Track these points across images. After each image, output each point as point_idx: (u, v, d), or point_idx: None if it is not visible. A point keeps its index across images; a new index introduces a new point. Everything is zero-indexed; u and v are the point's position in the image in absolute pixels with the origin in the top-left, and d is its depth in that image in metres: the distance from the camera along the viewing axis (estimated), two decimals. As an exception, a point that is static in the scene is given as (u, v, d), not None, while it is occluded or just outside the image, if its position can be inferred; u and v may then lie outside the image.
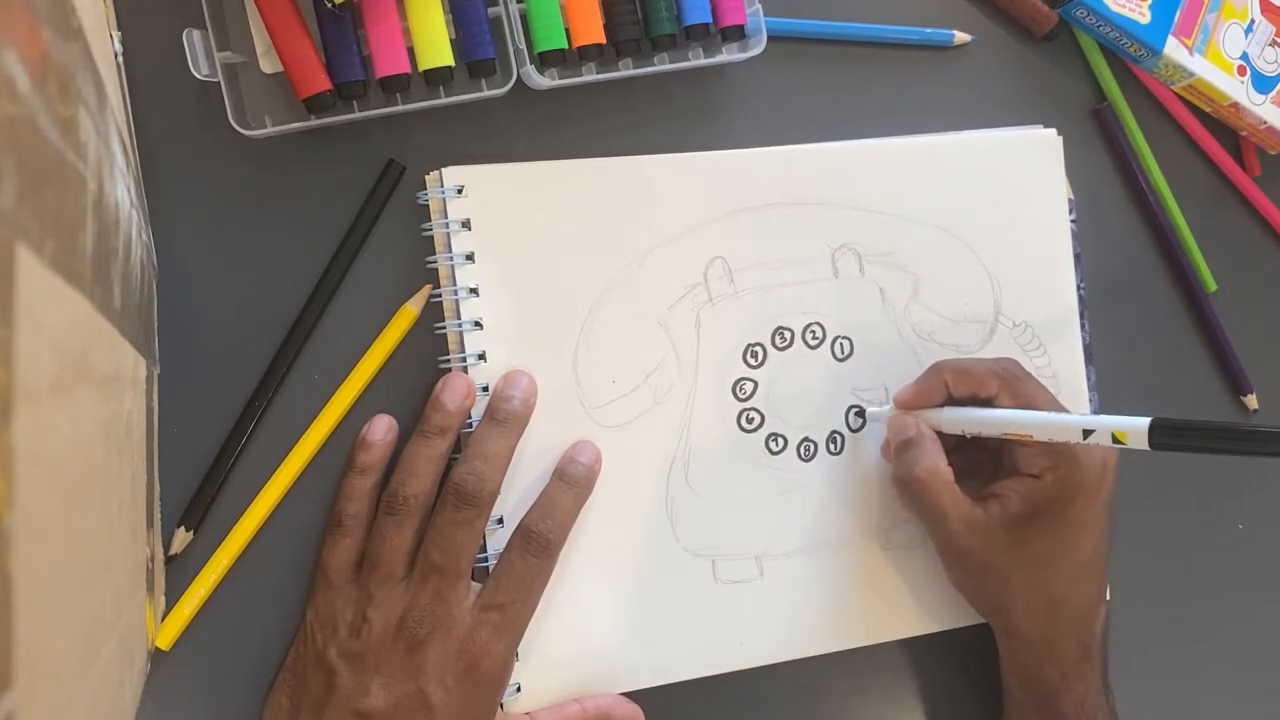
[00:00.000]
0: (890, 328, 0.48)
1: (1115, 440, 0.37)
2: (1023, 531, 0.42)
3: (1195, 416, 0.36)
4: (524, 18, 0.44)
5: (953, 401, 0.44)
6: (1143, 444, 0.36)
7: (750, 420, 0.47)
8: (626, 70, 0.45)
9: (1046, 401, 0.43)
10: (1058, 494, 0.42)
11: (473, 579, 0.41)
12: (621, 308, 0.45)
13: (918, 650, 0.49)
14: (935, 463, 0.43)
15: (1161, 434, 0.36)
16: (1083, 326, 0.51)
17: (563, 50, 0.44)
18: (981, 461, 0.45)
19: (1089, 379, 0.51)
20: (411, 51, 0.43)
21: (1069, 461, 0.42)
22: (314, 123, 0.42)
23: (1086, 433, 0.38)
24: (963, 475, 0.44)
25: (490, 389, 0.43)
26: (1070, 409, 0.44)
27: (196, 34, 0.41)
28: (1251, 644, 0.55)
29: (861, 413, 0.48)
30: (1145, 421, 0.36)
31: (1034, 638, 0.43)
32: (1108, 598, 0.45)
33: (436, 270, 0.44)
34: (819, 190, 0.48)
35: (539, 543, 0.41)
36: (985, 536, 0.42)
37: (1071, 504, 0.41)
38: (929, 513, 0.43)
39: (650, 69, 0.46)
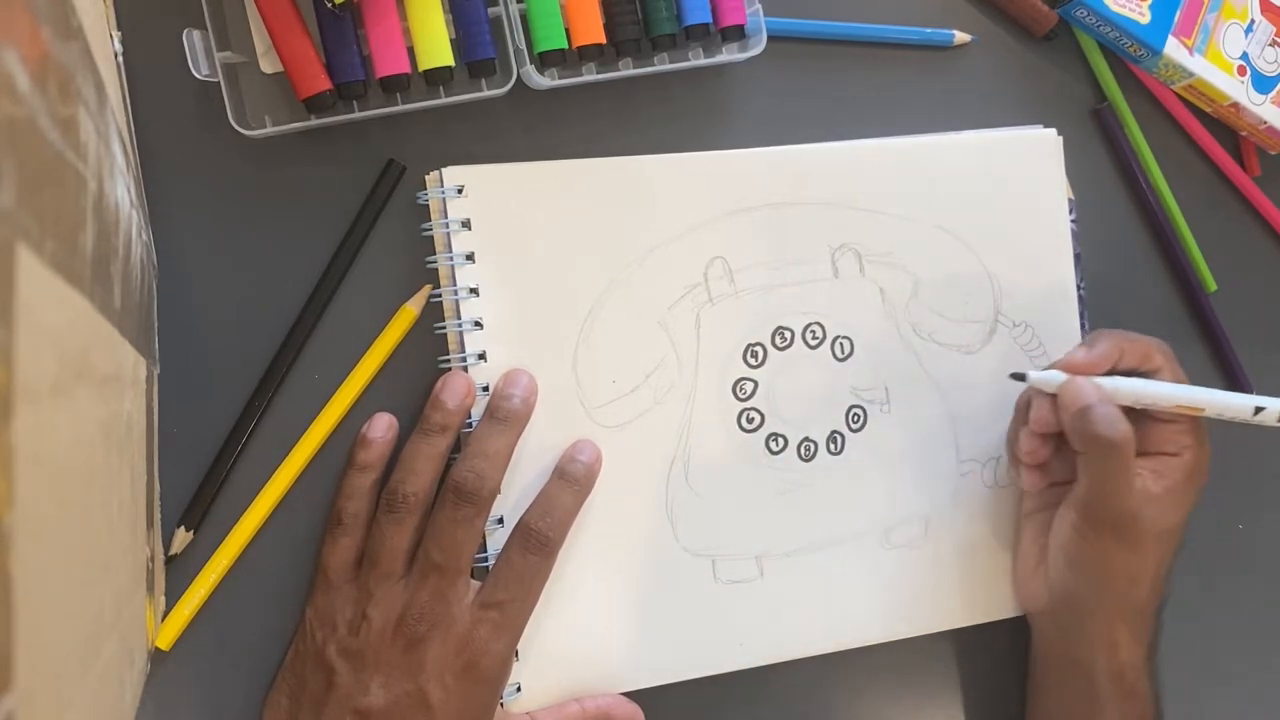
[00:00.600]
0: (890, 328, 0.48)
1: None
2: (1166, 504, 0.43)
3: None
4: (524, 18, 0.44)
5: (1116, 371, 0.45)
6: None
7: (750, 420, 0.47)
8: (626, 70, 0.45)
9: (1187, 380, 0.45)
10: (1192, 472, 0.44)
11: (472, 577, 0.41)
12: (621, 308, 0.45)
13: (918, 650, 0.49)
14: (1129, 427, 0.42)
15: None
16: (1083, 327, 0.51)
17: (563, 50, 0.44)
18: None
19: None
20: (411, 51, 0.43)
21: (1203, 443, 0.44)
22: (314, 123, 0.42)
23: (1258, 409, 0.41)
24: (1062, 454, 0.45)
25: (490, 388, 0.43)
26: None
27: (196, 34, 0.41)
28: (1252, 644, 0.55)
29: (862, 412, 0.48)
30: None
31: (1138, 613, 0.44)
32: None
33: (436, 270, 0.44)
34: (819, 190, 0.48)
35: (538, 541, 0.41)
36: (1153, 508, 0.43)
37: (1197, 481, 0.44)
38: (1117, 477, 0.42)
39: (650, 69, 0.46)
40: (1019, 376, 0.45)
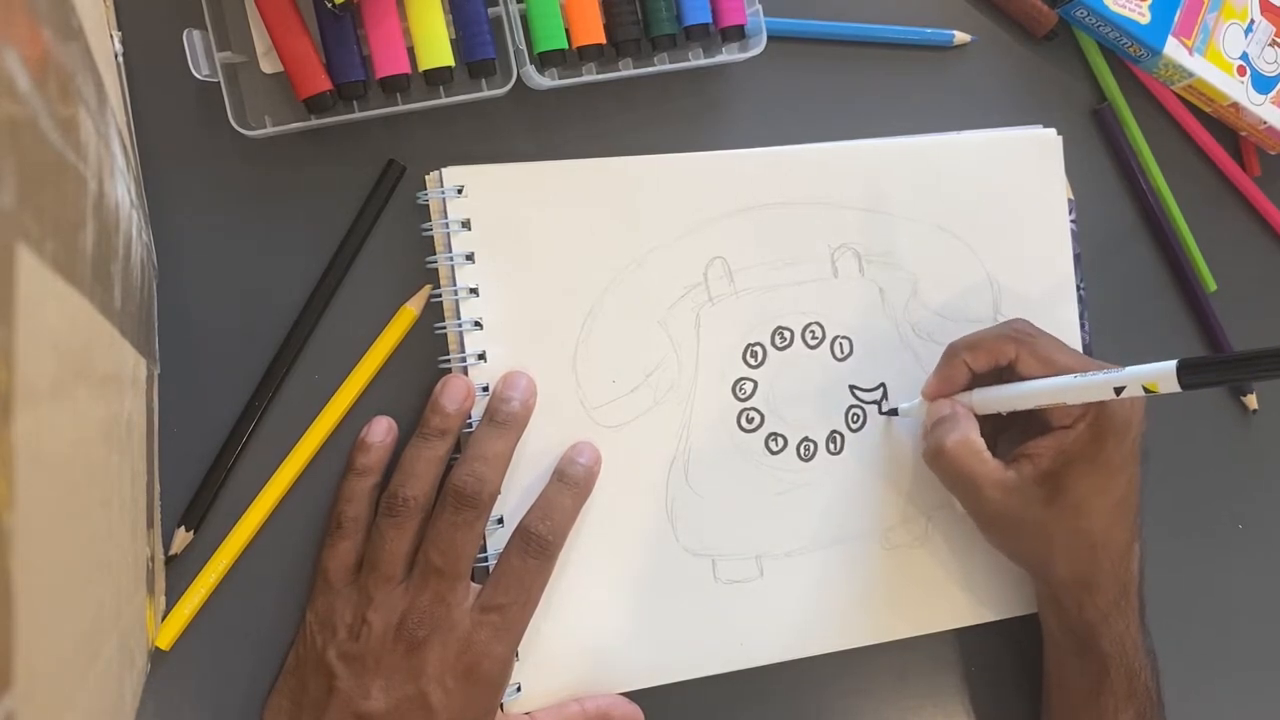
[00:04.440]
0: (890, 328, 0.48)
1: (1147, 390, 0.38)
2: (1057, 484, 0.42)
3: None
4: (524, 18, 0.44)
5: (977, 379, 0.45)
6: (1174, 387, 0.37)
7: (750, 420, 0.47)
8: (626, 70, 0.45)
9: (1063, 353, 0.44)
10: (1089, 441, 0.42)
11: (473, 579, 0.41)
12: (621, 308, 0.45)
13: (918, 650, 0.49)
14: (965, 434, 0.43)
15: (1189, 374, 0.36)
16: (1083, 326, 0.51)
17: (563, 50, 0.44)
18: (1011, 419, 0.45)
19: (1089, 379, 0.51)
20: (411, 51, 0.43)
21: (1098, 407, 0.42)
22: (314, 123, 0.42)
23: (1118, 389, 0.39)
24: (995, 437, 0.45)
25: (490, 389, 0.43)
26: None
27: (196, 34, 0.41)
28: (1252, 644, 0.55)
29: (861, 412, 0.48)
30: (1171, 366, 0.37)
31: (1075, 582, 0.43)
32: (1142, 537, 0.45)
33: (436, 270, 0.44)
34: (819, 190, 0.48)
35: (538, 544, 0.41)
36: (1020, 496, 0.42)
37: (1102, 448, 0.42)
38: (961, 482, 0.43)
39: (650, 69, 0.46)
40: (892, 412, 0.48)
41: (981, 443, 0.44)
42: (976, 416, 0.45)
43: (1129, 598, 0.44)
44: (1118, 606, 0.43)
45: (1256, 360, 0.35)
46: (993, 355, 0.44)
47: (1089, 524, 0.42)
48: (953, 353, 0.45)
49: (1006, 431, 0.46)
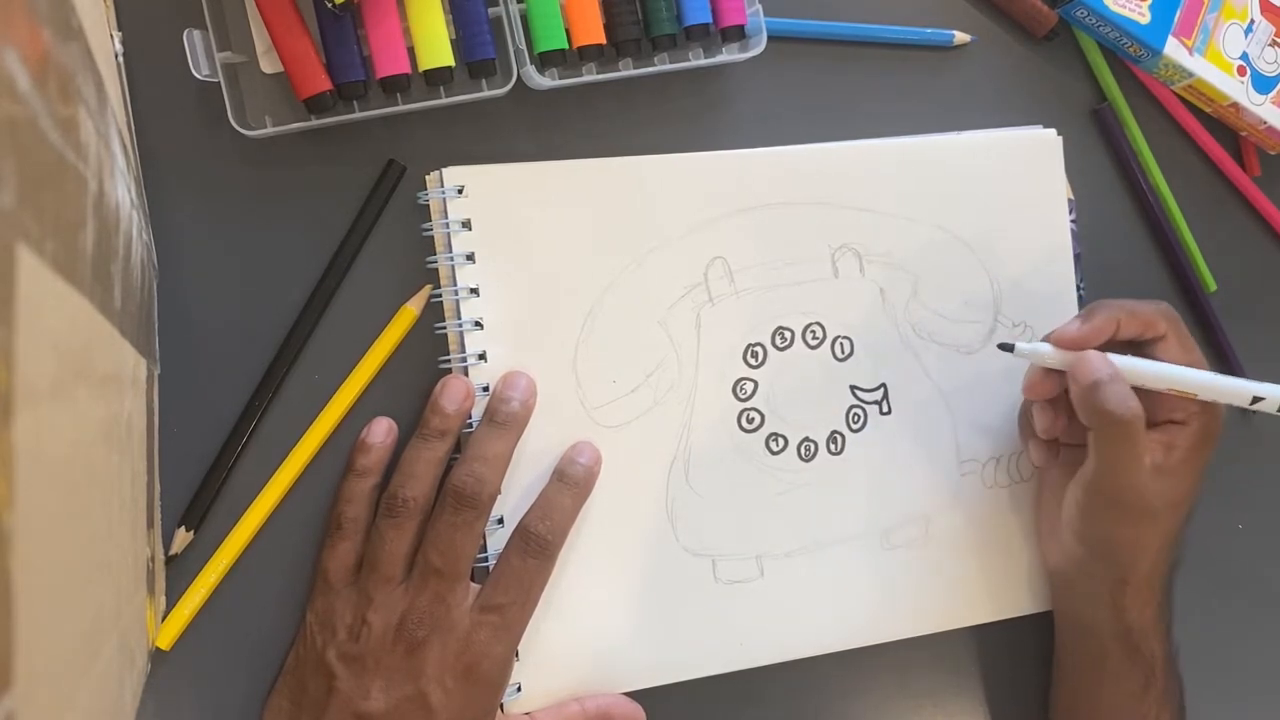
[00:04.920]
0: (890, 328, 0.48)
1: None
2: (1182, 476, 0.43)
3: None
4: (524, 18, 0.44)
5: (1114, 344, 0.44)
6: None
7: (750, 420, 0.47)
8: (626, 70, 0.45)
9: (1197, 349, 0.45)
10: (1201, 439, 0.43)
11: (473, 580, 0.41)
12: (622, 308, 0.45)
13: (918, 651, 0.49)
14: (1139, 404, 0.41)
15: None
16: (1083, 326, 0.51)
17: (563, 50, 0.44)
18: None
19: (1089, 379, 0.51)
20: (412, 51, 0.43)
21: (1212, 410, 0.43)
22: (314, 123, 0.42)
23: (1256, 399, 0.40)
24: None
25: (490, 389, 0.43)
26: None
27: (197, 34, 0.41)
28: (1251, 644, 0.55)
29: (862, 412, 0.48)
30: None
31: (1148, 580, 0.44)
32: None
33: (436, 270, 0.44)
34: (819, 190, 0.48)
35: (538, 544, 0.41)
36: (1159, 483, 0.42)
37: (1209, 447, 0.43)
38: (1127, 455, 0.42)
39: (650, 69, 0.46)
40: (1006, 347, 0.45)
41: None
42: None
43: (1171, 597, 0.45)
44: (1164, 607, 0.45)
45: None
46: (1145, 326, 0.44)
47: (1178, 522, 0.44)
48: (1108, 310, 0.44)
49: (1072, 425, 0.45)
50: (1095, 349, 0.43)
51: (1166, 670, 0.45)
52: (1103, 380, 0.41)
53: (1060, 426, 0.46)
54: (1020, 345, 0.44)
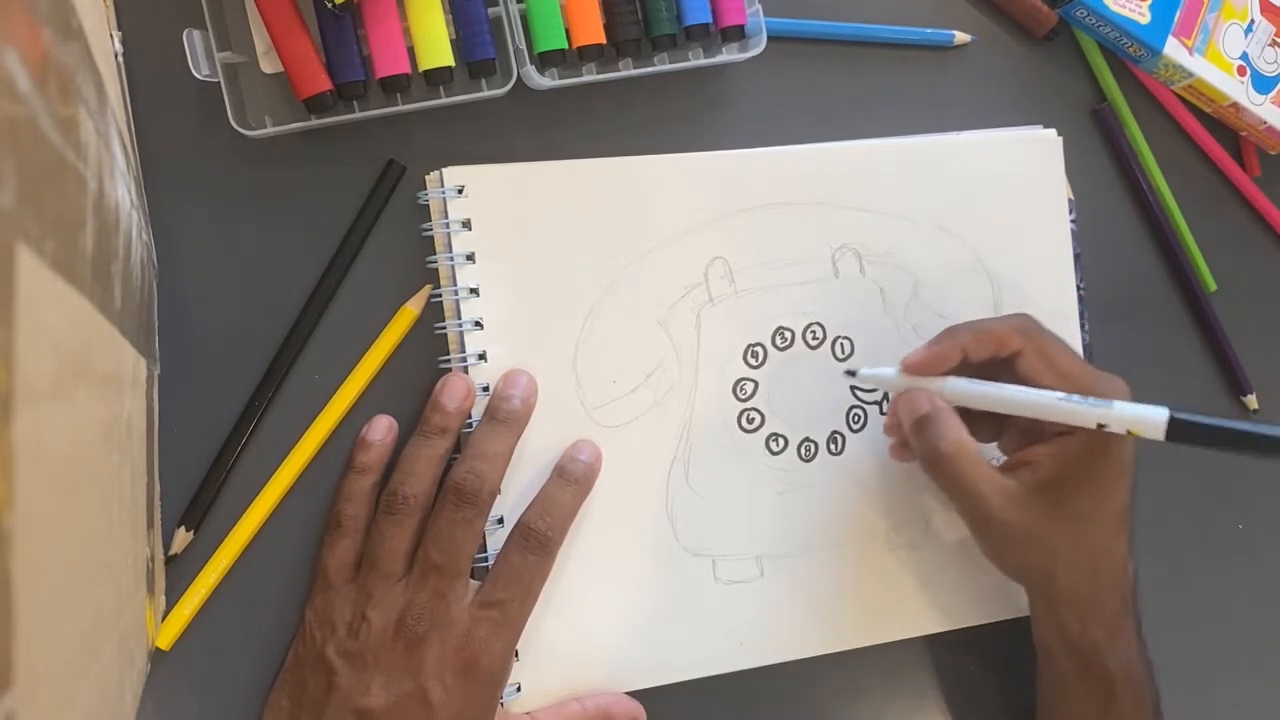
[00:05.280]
0: (890, 328, 0.48)
1: (1130, 433, 0.37)
2: (1059, 493, 0.41)
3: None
4: (524, 18, 0.44)
5: (968, 367, 0.42)
6: (1159, 436, 0.36)
7: (751, 420, 0.47)
8: (626, 70, 0.45)
9: (1068, 355, 0.42)
10: (1090, 451, 0.40)
11: (472, 577, 0.41)
12: (622, 308, 0.45)
13: (918, 651, 0.49)
14: (959, 436, 0.41)
15: (1179, 430, 0.36)
16: (1083, 326, 0.51)
17: (563, 50, 0.44)
18: (1010, 419, 0.44)
19: (1089, 379, 0.51)
20: (411, 51, 0.43)
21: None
22: (314, 123, 0.42)
23: (1101, 425, 0.37)
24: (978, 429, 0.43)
25: (490, 388, 0.43)
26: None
27: (196, 34, 0.41)
28: (1251, 644, 0.55)
29: (862, 413, 0.48)
30: (1164, 416, 0.36)
31: (1078, 597, 0.42)
32: (1134, 546, 0.44)
33: (436, 270, 0.44)
34: (819, 190, 0.48)
35: (538, 540, 0.41)
36: (1022, 507, 0.41)
37: (1105, 456, 0.40)
38: (961, 490, 0.41)
39: (650, 69, 0.46)
40: (851, 373, 0.45)
41: (975, 446, 0.42)
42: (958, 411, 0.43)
43: (1130, 613, 0.43)
44: (1120, 622, 0.42)
45: (1249, 439, 0.35)
46: (997, 345, 0.42)
47: (1090, 537, 0.41)
48: (953, 334, 0.42)
49: (1007, 431, 0.44)
50: (952, 373, 0.42)
51: (1130, 689, 0.43)
52: (921, 416, 0.42)
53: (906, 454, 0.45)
54: (862, 371, 0.44)
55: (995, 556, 0.44)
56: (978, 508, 0.41)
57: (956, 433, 0.41)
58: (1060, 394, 0.40)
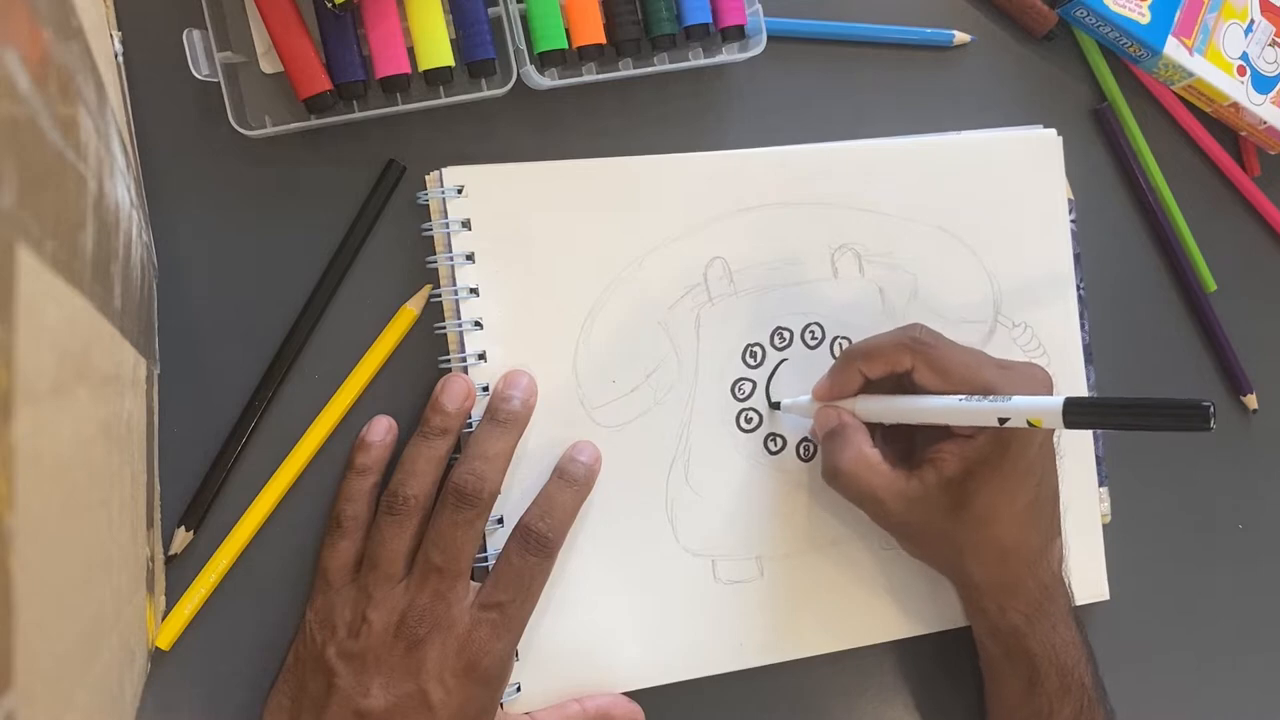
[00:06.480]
0: (890, 328, 0.48)
1: (1031, 424, 0.38)
2: (962, 490, 0.41)
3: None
4: (524, 18, 0.44)
5: (871, 385, 0.44)
6: (1058, 424, 0.36)
7: (749, 420, 0.47)
8: (626, 70, 0.45)
9: (965, 361, 0.42)
10: (993, 448, 0.41)
11: (473, 579, 0.41)
12: (621, 308, 0.45)
13: (917, 650, 0.49)
14: (858, 449, 0.43)
15: (1075, 414, 0.36)
16: (1083, 326, 0.51)
17: (563, 50, 0.44)
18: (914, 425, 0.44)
19: (1089, 379, 0.51)
20: (411, 51, 0.43)
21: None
22: (314, 123, 0.42)
23: (1003, 420, 0.38)
24: (899, 443, 0.44)
25: (490, 389, 0.43)
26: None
27: (196, 34, 0.41)
28: (1251, 644, 0.55)
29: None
30: (1059, 402, 0.37)
31: (992, 586, 0.43)
32: (1062, 536, 0.45)
33: (436, 270, 0.44)
34: (819, 190, 0.48)
35: (538, 541, 0.41)
36: (924, 506, 0.42)
37: (1006, 455, 0.41)
38: (861, 499, 0.43)
39: (650, 69, 0.46)
40: (775, 406, 0.47)
41: (876, 454, 0.43)
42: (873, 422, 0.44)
43: (1054, 598, 0.43)
44: (1041, 608, 0.43)
45: (1141, 410, 0.36)
46: (888, 363, 0.43)
47: (997, 531, 0.42)
48: (848, 358, 0.44)
49: (911, 440, 0.44)
50: (866, 390, 0.44)
51: (1054, 669, 0.43)
52: (828, 433, 0.44)
53: None
54: (785, 402, 0.47)
55: (912, 554, 0.46)
56: (877, 511, 0.43)
57: (855, 446, 0.43)
58: (960, 396, 0.41)
